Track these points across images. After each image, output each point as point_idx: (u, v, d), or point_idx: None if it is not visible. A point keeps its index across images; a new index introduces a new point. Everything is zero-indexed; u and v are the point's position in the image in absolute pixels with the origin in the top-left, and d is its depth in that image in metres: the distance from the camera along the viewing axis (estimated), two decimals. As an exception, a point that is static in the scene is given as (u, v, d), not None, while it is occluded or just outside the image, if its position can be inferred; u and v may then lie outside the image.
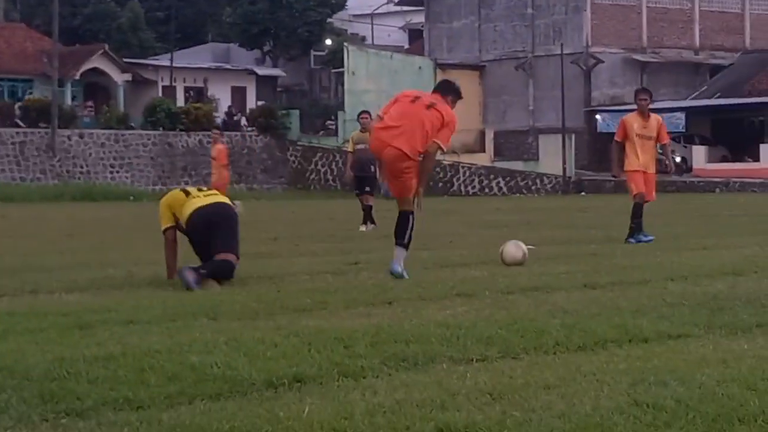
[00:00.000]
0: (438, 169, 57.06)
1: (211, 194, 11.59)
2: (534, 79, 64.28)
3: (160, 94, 67.53)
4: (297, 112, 69.28)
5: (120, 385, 5.82)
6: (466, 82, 55.98)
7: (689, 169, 55.95)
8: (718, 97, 60.06)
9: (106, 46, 68.18)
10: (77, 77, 65.60)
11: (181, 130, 63.04)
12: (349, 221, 22.11)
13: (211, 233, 11.12)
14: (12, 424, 5.16)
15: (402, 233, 11.28)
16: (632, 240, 16.37)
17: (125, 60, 69.01)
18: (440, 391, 5.68)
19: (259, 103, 71.70)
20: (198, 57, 77.70)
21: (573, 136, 59.31)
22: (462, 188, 60.55)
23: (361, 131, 22.34)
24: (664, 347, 6.96)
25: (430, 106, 11.16)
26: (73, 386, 5.80)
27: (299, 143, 66.87)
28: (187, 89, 71.52)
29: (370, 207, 21.93)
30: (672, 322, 7.83)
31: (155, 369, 6.21)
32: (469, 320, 7.88)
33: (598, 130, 61.09)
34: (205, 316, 8.35)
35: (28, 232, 23.19)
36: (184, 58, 74.91)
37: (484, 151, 62.15)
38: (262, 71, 76.46)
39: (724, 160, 57.35)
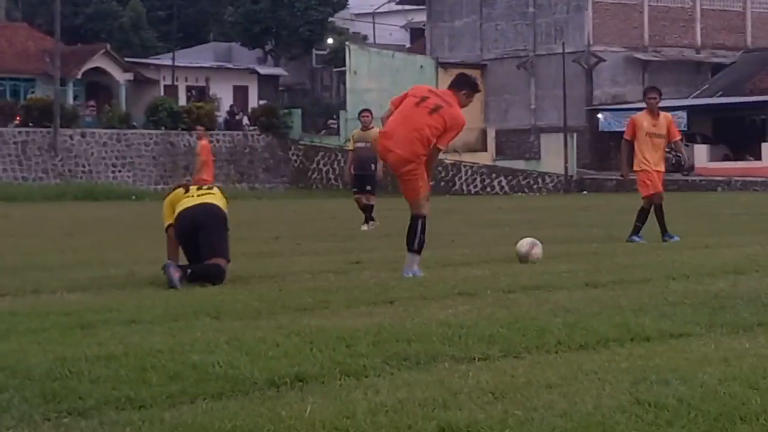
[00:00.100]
0: (440, 168, 57.09)
1: (205, 194, 11.51)
2: (535, 77, 64.27)
3: (162, 94, 67.55)
4: (299, 111, 69.30)
5: (122, 385, 5.83)
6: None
7: (691, 168, 55.93)
8: (720, 96, 60.03)
9: (108, 46, 68.22)
10: (79, 77, 65.63)
11: (183, 129, 63.05)
12: (351, 220, 22.12)
13: (198, 235, 11.11)
14: (14, 424, 5.16)
15: (412, 239, 11.32)
16: (634, 238, 16.36)
17: (127, 59, 69.03)
18: (442, 390, 5.68)
19: (261, 102, 71.72)
20: (200, 56, 77.72)
21: (575, 135, 59.30)
22: (464, 187, 60.56)
23: (362, 129, 22.36)
24: (666, 346, 6.96)
25: (433, 111, 11.13)
26: (75, 386, 5.81)
27: (301, 142, 66.88)
28: (189, 88, 71.55)
29: (372, 206, 21.92)
30: (674, 320, 7.83)
31: (157, 368, 6.21)
32: (471, 319, 7.88)
33: (600, 128, 61.07)
34: (207, 316, 8.35)
35: (30, 232, 23.20)
36: (186, 57, 74.94)
37: (485, 150, 62.15)
38: (263, 70, 76.47)
39: (725, 158, 57.32)
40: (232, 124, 67.24)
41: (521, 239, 13.27)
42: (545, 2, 63.98)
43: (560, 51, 60.94)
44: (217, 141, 64.34)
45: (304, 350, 6.71)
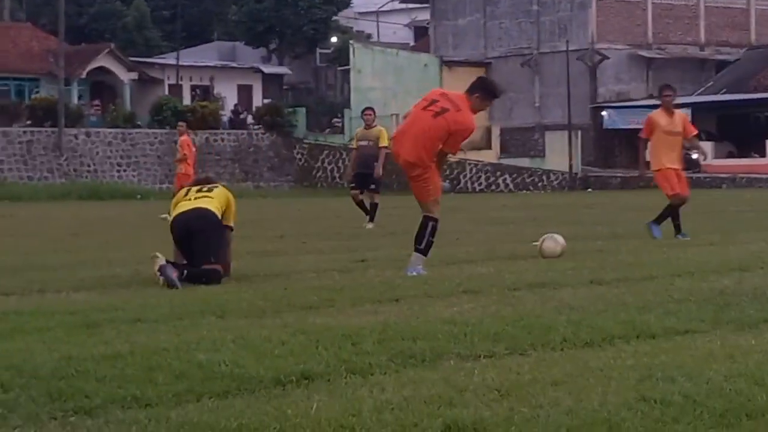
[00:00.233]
0: (444, 167, 57.05)
1: (202, 196, 11.44)
2: (540, 75, 64.23)
3: (167, 93, 67.57)
4: (303, 109, 69.28)
5: (128, 384, 5.83)
6: (472, 79, 55.83)
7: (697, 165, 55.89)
8: (724, 93, 59.98)
9: (112, 45, 68.26)
10: (83, 76, 65.66)
11: (187, 128, 62.99)
12: (356, 219, 22.10)
13: (192, 241, 11.10)
14: (21, 423, 5.17)
15: (420, 239, 11.36)
16: (680, 236, 16.29)
17: (131, 59, 69.04)
18: (448, 387, 5.68)
19: (266, 101, 71.73)
20: (204, 55, 77.75)
21: (579, 133, 59.26)
22: (468, 185, 60.56)
23: (365, 128, 22.34)
24: (671, 343, 6.96)
25: (438, 114, 11.12)
26: (81, 385, 5.81)
27: (306, 141, 66.87)
28: (193, 88, 71.59)
29: (377, 204, 21.89)
30: (679, 317, 7.83)
31: (163, 367, 6.21)
32: (476, 317, 7.88)
33: (604, 126, 61.03)
34: (213, 314, 8.36)
35: (36, 231, 23.22)
36: (190, 56, 74.95)
37: (490, 148, 62.12)
38: (268, 69, 76.48)
39: (730, 155, 57.28)
40: (236, 123, 67.25)
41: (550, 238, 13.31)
42: (549, 0, 63.96)
43: (564, 49, 60.90)
44: (222, 140, 64.37)
45: (310, 348, 6.72)
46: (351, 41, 72.93)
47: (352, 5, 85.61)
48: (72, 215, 32.36)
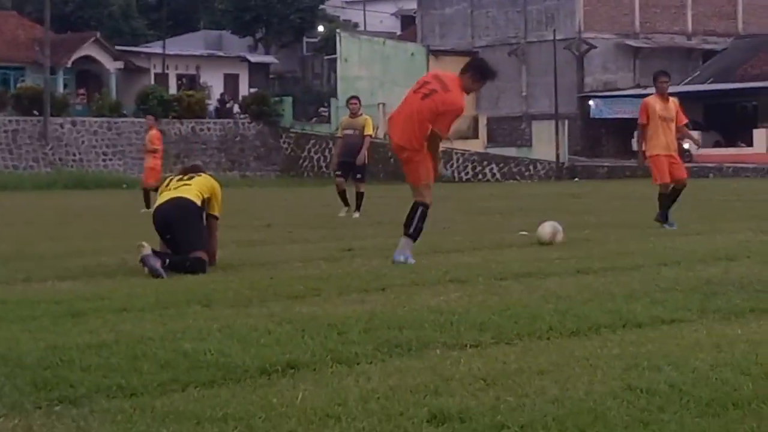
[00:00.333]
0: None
1: (182, 185, 11.41)
2: (527, 65, 64.25)
3: (153, 82, 67.42)
4: (290, 99, 69.18)
5: (113, 373, 5.82)
6: (459, 68, 55.83)
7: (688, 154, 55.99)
8: (711, 83, 60.05)
9: (98, 34, 68.09)
10: (69, 65, 65.50)
11: (173, 117, 62.95)
12: (343, 208, 22.08)
13: (172, 231, 11.08)
14: (5, 412, 5.15)
15: (409, 223, 11.36)
16: (667, 225, 16.35)
17: (117, 47, 68.89)
18: (434, 376, 5.68)
19: (252, 90, 71.62)
20: (190, 44, 77.60)
21: (566, 122, 59.26)
22: (455, 174, 60.57)
23: (349, 117, 22.32)
24: (658, 332, 6.97)
25: (426, 96, 11.14)
26: (66, 374, 5.80)
27: (292, 130, 66.79)
28: (179, 77, 71.43)
29: (362, 193, 21.89)
30: (665, 307, 7.84)
31: (148, 356, 6.20)
32: (463, 306, 7.88)
33: (591, 115, 61.07)
34: (198, 304, 8.34)
35: (21, 221, 23.15)
36: (176, 45, 74.81)
37: (477, 138, 62.10)
38: (254, 58, 76.37)
39: (717, 145, 57.36)
40: (222, 112, 67.15)
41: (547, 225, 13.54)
42: (536, -11, 63.94)
43: (551, 38, 60.89)
44: (208, 129, 64.26)
45: (296, 338, 6.71)
46: (338, 30, 72.81)
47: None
48: (58, 204, 32.29)
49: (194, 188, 11.31)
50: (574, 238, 14.41)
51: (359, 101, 22.55)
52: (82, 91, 65.78)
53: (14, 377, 5.77)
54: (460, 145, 60.25)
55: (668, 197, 16.59)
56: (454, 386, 5.47)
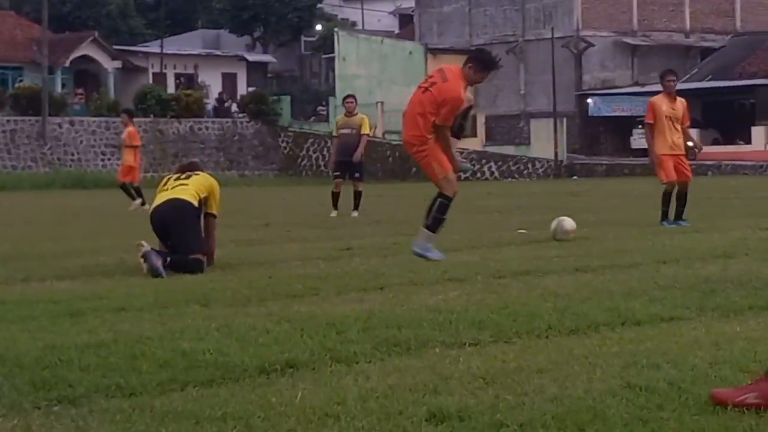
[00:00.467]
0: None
1: (178, 185, 11.39)
2: (525, 63, 64.27)
3: (151, 81, 67.43)
4: (288, 98, 69.20)
5: (112, 372, 5.81)
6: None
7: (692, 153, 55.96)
8: (709, 80, 60.08)
9: (96, 33, 68.12)
10: (67, 65, 65.52)
11: (172, 116, 62.95)
12: (341, 207, 22.07)
13: (169, 233, 11.08)
14: (4, 412, 5.14)
15: (427, 215, 11.43)
16: (665, 223, 16.37)
17: (115, 47, 68.92)
18: (433, 375, 5.67)
19: (250, 89, 71.64)
20: (188, 43, 77.62)
21: (564, 120, 59.31)
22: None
23: (345, 115, 22.26)
24: (657, 330, 6.96)
25: (427, 89, 11.23)
26: (64, 373, 5.79)
27: (290, 129, 66.79)
28: (177, 76, 71.44)
29: (360, 192, 21.87)
30: (664, 304, 7.83)
31: (147, 356, 6.19)
32: (461, 305, 7.88)
33: (590, 113, 61.12)
34: (197, 303, 8.34)
35: (20, 221, 23.14)
36: (174, 44, 74.84)
37: (475, 136, 62.09)
38: (252, 57, 76.39)
39: (715, 143, 57.38)
40: (221, 111, 67.17)
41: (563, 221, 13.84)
42: (534, -13, 63.96)
43: (549, 36, 60.91)
44: (206, 128, 64.29)
45: (295, 337, 6.71)
46: (336, 29, 72.84)
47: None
48: (56, 204, 32.28)
49: (191, 188, 11.28)
50: (573, 236, 14.41)
51: (355, 100, 22.50)
52: (80, 90, 65.80)
53: (13, 377, 5.76)
54: (458, 143, 60.18)
55: (670, 195, 16.58)
56: (453, 385, 5.46)
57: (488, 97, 64.62)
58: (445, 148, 11.37)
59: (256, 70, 76.07)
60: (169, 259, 10.71)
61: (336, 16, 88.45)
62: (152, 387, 5.55)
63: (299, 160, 66.08)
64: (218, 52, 75.99)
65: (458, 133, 11.58)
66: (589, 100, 61.21)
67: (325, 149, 63.87)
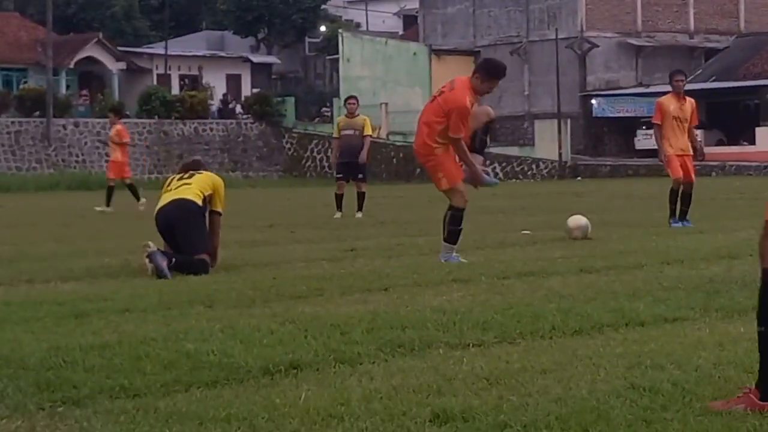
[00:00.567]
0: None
1: (182, 185, 11.39)
2: (529, 64, 64.21)
3: (155, 83, 67.44)
4: (292, 99, 69.18)
5: (116, 374, 5.82)
6: (461, 67, 55.89)
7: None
8: (713, 81, 60.00)
9: (101, 35, 68.15)
10: (71, 66, 65.53)
11: (176, 118, 62.97)
12: (345, 208, 22.06)
13: (174, 233, 11.08)
14: (8, 414, 5.15)
15: (443, 228, 11.43)
16: (672, 222, 16.39)
17: (119, 48, 68.93)
18: (437, 376, 5.68)
19: (254, 90, 71.63)
20: (192, 45, 77.61)
21: (568, 121, 59.24)
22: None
23: (347, 116, 22.20)
24: (661, 331, 6.96)
25: (436, 98, 11.27)
26: (69, 375, 5.80)
27: (295, 130, 66.78)
28: (181, 77, 71.46)
29: (364, 193, 21.83)
30: (668, 305, 7.84)
31: (151, 357, 6.20)
32: (465, 306, 7.88)
33: (594, 114, 61.05)
34: (201, 304, 8.35)
35: (25, 222, 23.16)
36: (179, 46, 74.82)
37: (479, 137, 61.99)
38: (256, 58, 76.37)
39: (719, 143, 57.32)
40: (225, 112, 67.16)
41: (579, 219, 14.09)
42: (538, -12, 63.92)
43: (553, 37, 60.85)
44: (211, 130, 64.29)
45: (299, 338, 6.71)
46: (340, 30, 72.83)
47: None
48: (61, 206, 32.29)
49: (194, 187, 11.29)
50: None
51: (357, 101, 22.45)
52: (84, 92, 65.81)
53: (17, 378, 5.77)
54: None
55: (677, 193, 16.57)
56: (457, 386, 5.46)
57: (492, 98, 64.38)
58: (461, 161, 11.34)
59: (260, 71, 76.07)
60: (174, 259, 10.72)
61: (340, 17, 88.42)
62: (156, 388, 5.56)
63: (303, 161, 66.06)
64: (222, 54, 76.00)
65: (480, 149, 11.61)
66: (593, 101, 61.15)
67: (330, 150, 63.70)
